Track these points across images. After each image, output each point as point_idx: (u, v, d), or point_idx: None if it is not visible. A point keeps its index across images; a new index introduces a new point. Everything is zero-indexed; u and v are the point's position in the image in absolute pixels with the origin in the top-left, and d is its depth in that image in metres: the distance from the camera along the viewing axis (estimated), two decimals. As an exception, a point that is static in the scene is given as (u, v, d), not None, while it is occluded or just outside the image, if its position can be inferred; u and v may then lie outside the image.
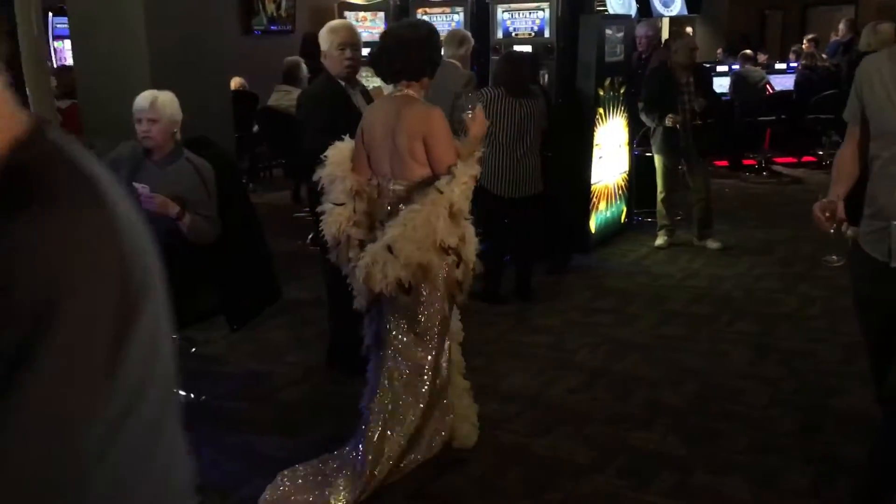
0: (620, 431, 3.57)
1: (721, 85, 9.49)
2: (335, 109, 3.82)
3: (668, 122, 6.07)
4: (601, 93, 6.22)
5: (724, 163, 9.78)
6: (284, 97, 6.58)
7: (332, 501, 2.97)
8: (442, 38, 5.75)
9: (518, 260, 5.37)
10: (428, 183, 2.97)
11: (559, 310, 5.11)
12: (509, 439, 3.51)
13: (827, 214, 2.69)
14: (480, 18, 6.47)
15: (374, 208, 3.13)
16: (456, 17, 6.59)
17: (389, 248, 2.89)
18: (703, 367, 4.25)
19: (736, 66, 10.13)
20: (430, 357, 3.09)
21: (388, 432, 3.08)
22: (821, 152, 9.75)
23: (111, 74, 4.58)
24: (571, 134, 6.06)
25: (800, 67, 10.41)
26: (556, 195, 5.57)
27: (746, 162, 9.86)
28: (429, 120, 3.00)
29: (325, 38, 3.91)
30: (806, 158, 10.05)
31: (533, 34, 6.14)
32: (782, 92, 9.94)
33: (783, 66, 10.94)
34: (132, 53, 4.56)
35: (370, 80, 6.78)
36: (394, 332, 3.11)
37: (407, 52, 3.05)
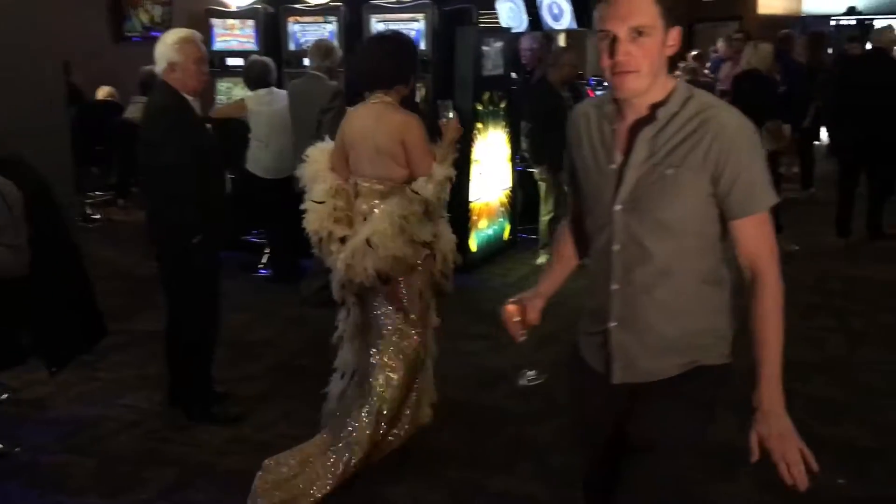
0: (479, 475, 3.31)
1: (608, 99, 9.48)
2: (190, 122, 3.63)
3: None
4: (479, 107, 6.01)
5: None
6: (141, 109, 6.10)
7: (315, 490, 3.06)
8: (309, 49, 5.57)
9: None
10: (406, 182, 3.21)
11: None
12: (358, 487, 3.19)
13: (516, 319, 2.08)
14: (354, 29, 6.18)
15: (353, 205, 3.31)
16: (329, 26, 6.28)
17: (368, 242, 3.13)
18: (574, 397, 4.04)
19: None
20: (418, 338, 3.33)
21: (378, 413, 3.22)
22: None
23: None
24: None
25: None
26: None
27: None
28: (406, 126, 3.21)
29: (178, 49, 3.53)
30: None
31: (408, 46, 5.88)
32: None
33: (669, 80, 11.05)
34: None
35: (233, 93, 6.44)
36: (384, 318, 3.29)
37: (376, 63, 3.30)
